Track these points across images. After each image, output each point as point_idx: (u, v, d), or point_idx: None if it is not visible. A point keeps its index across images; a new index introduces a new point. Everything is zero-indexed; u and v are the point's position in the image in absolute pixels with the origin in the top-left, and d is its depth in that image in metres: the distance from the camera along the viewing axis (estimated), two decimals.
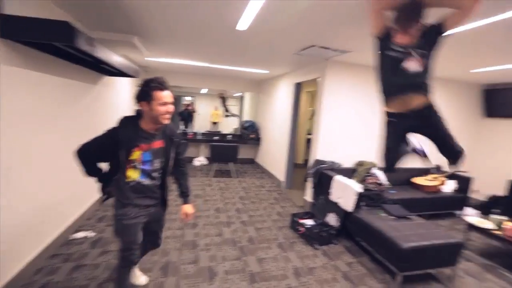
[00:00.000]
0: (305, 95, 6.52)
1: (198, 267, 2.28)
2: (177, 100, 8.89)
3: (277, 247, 2.71)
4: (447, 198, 3.88)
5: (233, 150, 5.26)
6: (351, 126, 3.87)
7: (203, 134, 6.73)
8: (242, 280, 2.14)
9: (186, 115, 7.59)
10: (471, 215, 3.34)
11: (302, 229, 2.93)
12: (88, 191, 3.14)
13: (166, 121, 1.54)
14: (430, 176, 4.13)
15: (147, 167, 1.57)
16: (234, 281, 2.13)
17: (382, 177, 3.56)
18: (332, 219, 2.99)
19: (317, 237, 2.76)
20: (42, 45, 1.91)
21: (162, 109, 1.48)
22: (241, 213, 3.51)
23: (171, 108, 1.52)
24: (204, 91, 8.52)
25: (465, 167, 4.52)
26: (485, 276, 2.49)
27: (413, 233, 2.34)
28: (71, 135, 2.62)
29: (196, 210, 3.50)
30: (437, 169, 4.36)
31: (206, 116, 8.04)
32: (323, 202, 3.24)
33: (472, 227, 2.83)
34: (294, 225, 3.08)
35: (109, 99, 3.67)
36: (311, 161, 3.83)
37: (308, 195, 3.89)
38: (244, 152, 6.84)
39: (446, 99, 4.42)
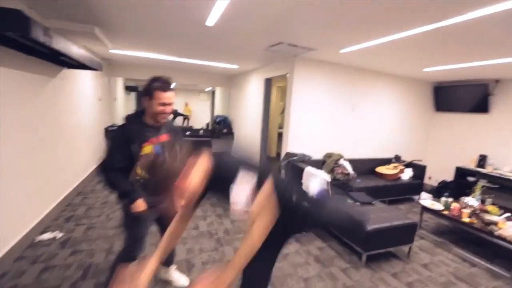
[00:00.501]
0: (275, 90, 6.66)
1: (175, 260, 2.30)
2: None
3: None
4: (405, 185, 4.28)
5: (206, 145, 5.25)
6: (319, 120, 4.08)
7: None
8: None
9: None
10: (425, 199, 3.73)
11: None
12: (51, 191, 2.97)
13: (163, 120, 1.59)
14: (391, 165, 4.52)
15: None
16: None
17: (348, 167, 3.82)
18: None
19: None
20: None
21: (160, 108, 1.54)
22: (216, 207, 3.55)
23: (169, 108, 1.57)
24: (173, 85, 8.31)
25: (420, 157, 5.02)
26: (436, 251, 2.84)
27: (375, 216, 2.58)
28: (31, 132, 2.45)
29: None
30: (397, 159, 4.78)
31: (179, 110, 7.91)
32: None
33: (425, 209, 3.19)
34: None
35: (70, 93, 3.45)
36: (283, 154, 3.98)
37: None
38: (217, 147, 6.83)
39: (403, 95, 4.83)
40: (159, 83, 1.52)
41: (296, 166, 3.53)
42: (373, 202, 2.95)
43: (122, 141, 1.53)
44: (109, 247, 2.44)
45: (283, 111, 7.55)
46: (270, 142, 6.83)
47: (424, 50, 2.94)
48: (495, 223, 2.64)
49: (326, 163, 3.89)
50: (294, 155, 3.77)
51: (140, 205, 1.54)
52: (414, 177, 4.43)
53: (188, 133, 6.39)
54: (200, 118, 8.08)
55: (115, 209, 3.24)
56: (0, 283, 1.89)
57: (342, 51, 3.17)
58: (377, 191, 3.83)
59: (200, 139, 5.29)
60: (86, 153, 4.20)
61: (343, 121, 4.28)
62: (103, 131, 5.32)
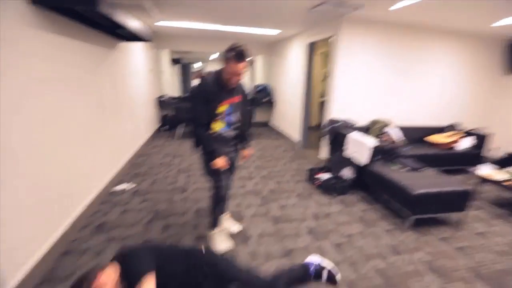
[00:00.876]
0: (318, 56, 6.36)
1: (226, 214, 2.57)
2: (187, 67, 8.94)
3: (296, 196, 2.97)
4: (461, 155, 3.95)
5: (250, 113, 5.39)
6: (365, 85, 3.86)
7: None
8: (267, 222, 2.43)
9: None
10: (486, 170, 3.43)
11: (319, 181, 3.15)
12: (120, 151, 3.43)
13: (233, 86, 1.74)
14: (446, 134, 4.17)
15: (229, 119, 1.82)
16: (259, 222, 2.42)
17: (396, 134, 3.65)
18: (347, 173, 3.18)
19: (333, 188, 2.98)
20: (66, 10, 1.99)
21: (230, 76, 1.67)
22: (261, 170, 3.75)
23: (238, 78, 1.69)
24: (213, 57, 8.46)
25: (483, 125, 4.52)
26: (493, 222, 2.67)
27: (425, 181, 2.50)
28: (100, 100, 2.82)
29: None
30: (453, 127, 4.38)
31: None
32: (338, 157, 3.41)
33: (484, 180, 2.96)
34: (311, 179, 3.30)
35: (126, 64, 3.79)
36: (325, 121, 3.93)
37: (323, 153, 4.07)
38: (258, 116, 6.96)
39: (464, 56, 4.27)
40: (234, 53, 1.60)
41: (339, 132, 3.49)
42: (423, 168, 2.83)
43: (203, 100, 1.72)
44: (170, 198, 2.81)
45: (325, 79, 7.26)
46: (311, 111, 6.71)
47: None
48: None
49: (371, 129, 3.75)
50: (337, 121, 3.70)
51: (221, 162, 1.79)
52: (473, 147, 4.05)
53: None
54: None
55: (171, 168, 3.64)
56: (92, 218, 2.37)
57: (392, 8, 2.88)
58: (427, 160, 3.58)
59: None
60: (142, 121, 4.66)
61: (392, 85, 4.00)
62: (154, 101, 5.78)
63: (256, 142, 5.31)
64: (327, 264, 1.78)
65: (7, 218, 1.47)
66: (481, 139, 4.07)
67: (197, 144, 1.87)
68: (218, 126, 1.82)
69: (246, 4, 3.17)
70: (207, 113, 1.76)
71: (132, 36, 3.27)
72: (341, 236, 2.27)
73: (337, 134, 3.56)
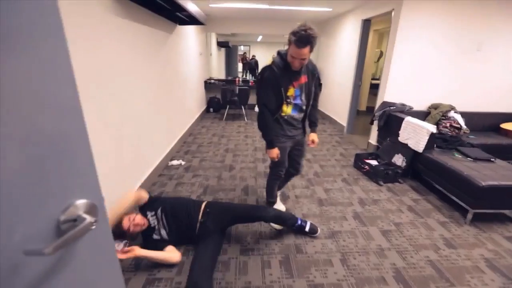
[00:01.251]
0: (372, 34, 5.88)
1: None
2: (234, 49, 9.06)
3: (342, 181, 2.93)
4: None
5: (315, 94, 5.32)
6: (427, 65, 3.48)
7: None
8: (311, 203, 2.46)
9: (253, 64, 8.30)
10: None
11: (366, 167, 3.04)
12: (175, 128, 3.72)
13: (295, 69, 1.70)
14: None
15: (297, 101, 1.83)
16: (304, 203, 2.47)
17: (461, 120, 3.28)
18: (398, 160, 3.01)
19: (382, 175, 2.85)
20: None
21: (291, 60, 1.64)
22: (307, 153, 3.74)
23: (299, 62, 1.63)
24: (259, 39, 8.40)
25: None
26: None
27: (493, 173, 2.25)
28: (158, 83, 3.06)
29: (263, 148, 3.87)
30: None
31: (261, 64, 8.20)
32: (389, 143, 3.22)
33: None
34: (358, 164, 3.20)
35: (182, 47, 4.00)
36: (376, 106, 3.69)
37: (373, 138, 3.87)
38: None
39: None
40: (295, 37, 1.53)
41: (394, 116, 3.27)
42: (492, 159, 2.54)
43: (273, 85, 1.72)
44: (219, 175, 3.00)
45: (379, 59, 6.73)
46: (361, 94, 6.34)
47: None
48: None
49: (430, 114, 3.43)
50: (391, 104, 3.46)
51: (273, 153, 1.88)
52: None
53: None
54: None
55: (219, 148, 3.85)
56: (153, 188, 2.68)
57: None
58: (500, 150, 3.19)
59: None
60: (192, 101, 4.95)
61: (461, 65, 3.53)
62: (203, 83, 6.04)
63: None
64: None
65: None
66: None
67: (260, 128, 1.91)
68: (288, 109, 1.83)
69: None
70: (276, 98, 1.76)
71: (190, 19, 3.44)
72: (389, 224, 2.20)
73: (391, 119, 3.35)
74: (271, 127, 1.84)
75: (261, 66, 8.29)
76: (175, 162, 3.26)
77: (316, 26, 5.92)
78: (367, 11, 4.06)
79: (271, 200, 2.27)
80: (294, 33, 1.55)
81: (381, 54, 6.39)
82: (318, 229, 2.04)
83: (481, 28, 3.38)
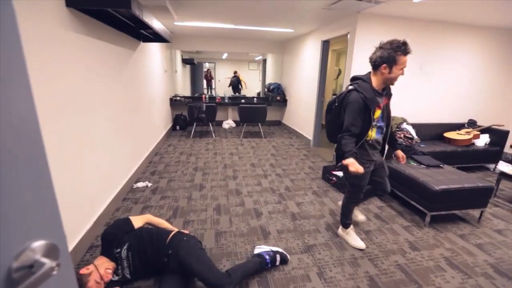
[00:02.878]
0: (331, 53, 6.34)
1: (245, 208, 2.63)
2: (199, 66, 9.06)
3: (312, 194, 3.00)
4: (479, 152, 3.89)
5: (261, 112, 5.44)
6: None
7: (230, 98, 6.89)
8: (285, 218, 2.47)
9: (236, 82, 8.31)
10: (504, 166, 3.37)
11: (334, 179, 3.17)
12: (139, 149, 3.53)
13: (394, 83, 1.71)
14: (463, 131, 4.11)
15: (380, 123, 1.83)
16: (278, 218, 2.46)
17: (412, 131, 3.62)
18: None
19: None
20: (96, 12, 2.10)
21: (399, 73, 1.65)
22: (275, 167, 3.80)
23: (403, 72, 1.66)
24: (224, 56, 8.55)
25: (502, 121, 4.44)
26: None
27: (444, 178, 2.50)
28: (121, 102, 2.91)
29: (233, 165, 3.84)
30: (471, 124, 4.31)
31: (225, 81, 8.31)
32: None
33: (503, 175, 2.92)
34: (326, 176, 3.32)
35: (145, 65, 3.89)
36: None
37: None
38: (270, 115, 6.99)
39: (485, 50, 4.18)
40: (404, 47, 1.58)
41: None
42: (441, 165, 2.81)
43: (362, 109, 1.68)
44: (189, 195, 2.88)
45: (338, 76, 7.23)
46: (324, 109, 6.70)
47: None
48: None
49: None
50: None
51: (354, 165, 1.63)
52: (491, 144, 3.98)
53: (242, 101, 6.65)
54: (250, 87, 8.31)
55: (187, 167, 3.73)
56: (116, 215, 2.46)
57: (416, 0, 2.84)
58: (445, 157, 3.59)
59: (257, 106, 5.47)
60: (158, 119, 4.78)
61: (408, 82, 3.95)
62: (168, 101, 5.90)
63: (268, 141, 5.36)
64: (276, 248, 1.92)
65: None
66: (499, 136, 4.00)
67: (340, 152, 1.79)
68: (373, 133, 1.82)
69: (260, 5, 3.22)
70: (363, 123, 1.72)
71: (154, 36, 3.38)
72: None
73: None
74: (352, 145, 1.73)
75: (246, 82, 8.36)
76: (140, 184, 3.07)
77: (279, 45, 6.23)
78: (326, 33, 4.39)
79: (346, 222, 2.15)
80: (397, 44, 1.60)
81: (340, 71, 6.88)
82: (288, 256, 1.92)
83: (424, 49, 3.86)
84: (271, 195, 2.92)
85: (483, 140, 3.98)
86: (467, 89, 4.33)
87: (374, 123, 1.78)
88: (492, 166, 4.04)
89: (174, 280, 1.53)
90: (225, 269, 1.70)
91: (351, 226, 2.18)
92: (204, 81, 9.16)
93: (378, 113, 1.77)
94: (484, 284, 1.77)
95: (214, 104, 5.46)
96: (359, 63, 3.65)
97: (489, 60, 4.26)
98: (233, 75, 8.37)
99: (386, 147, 2.05)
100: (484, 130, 4.08)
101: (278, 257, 1.83)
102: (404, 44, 1.61)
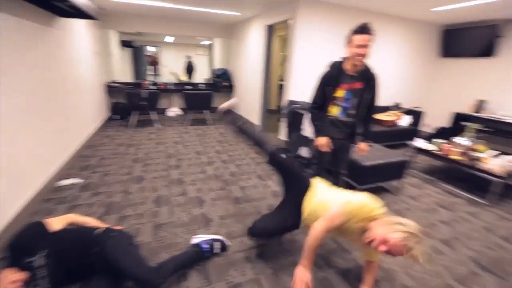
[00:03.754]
0: (276, 39, 6.40)
1: (187, 197, 2.55)
2: (141, 50, 8.29)
3: (257, 177, 3.06)
4: (402, 131, 4.42)
5: (208, 98, 5.28)
6: (322, 67, 4.01)
7: (175, 84, 6.52)
8: (228, 204, 2.47)
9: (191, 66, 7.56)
10: (419, 143, 3.89)
11: None
12: (64, 141, 3.12)
13: (357, 63, 1.76)
14: (390, 112, 4.60)
15: (347, 104, 1.87)
16: (220, 205, 2.45)
17: None
18: (304, 152, 3.35)
19: None
20: None
21: (353, 50, 1.72)
22: (221, 154, 3.75)
23: (363, 51, 1.71)
24: (170, 39, 7.96)
25: (420, 104, 5.07)
26: (425, 186, 3.09)
27: (372, 155, 2.76)
28: (34, 87, 2.50)
29: (176, 154, 3.68)
30: (396, 106, 4.84)
31: (171, 66, 7.68)
32: (296, 138, 3.56)
33: (419, 150, 3.37)
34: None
35: (69, 45, 3.38)
36: (284, 103, 4.04)
37: (282, 134, 4.21)
38: (218, 101, 6.84)
39: (407, 40, 4.67)
40: (356, 27, 1.71)
41: (298, 112, 3.62)
42: (371, 144, 3.10)
43: (321, 83, 1.90)
44: (126, 189, 2.67)
45: (283, 62, 7.36)
46: (271, 94, 6.81)
47: None
48: (480, 159, 2.82)
49: None
50: (295, 102, 3.83)
51: (322, 141, 1.98)
52: (412, 123, 4.55)
53: (188, 87, 6.35)
54: (199, 73, 7.95)
55: (125, 159, 3.44)
56: (34, 219, 2.15)
57: None
58: (375, 136, 3.99)
59: (201, 92, 5.28)
60: (90, 108, 4.27)
61: None
62: (103, 87, 5.31)
63: (215, 128, 5.26)
64: (215, 236, 1.86)
65: None
66: (417, 116, 4.59)
67: (312, 125, 2.03)
68: (334, 110, 1.92)
69: None
70: (323, 96, 1.90)
71: (76, 11, 2.88)
72: None
73: (295, 115, 3.69)
74: (318, 117, 2.01)
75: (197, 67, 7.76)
76: (66, 182, 2.73)
77: (226, 29, 6.04)
78: (270, 17, 4.38)
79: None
80: (355, 26, 1.75)
81: (285, 58, 7.02)
82: (229, 242, 1.90)
83: None
84: (215, 182, 2.89)
85: (405, 121, 4.53)
86: (393, 75, 4.82)
87: (335, 101, 1.89)
88: (410, 142, 4.63)
89: (101, 284, 1.40)
90: None
91: None
92: (149, 67, 8.44)
93: (340, 92, 1.85)
94: None
95: (156, 90, 5.10)
96: (302, 49, 3.75)
97: (410, 50, 4.78)
98: (186, 59, 7.84)
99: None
100: (406, 112, 4.64)
101: (217, 245, 1.81)
102: (360, 24, 1.74)
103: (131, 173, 3.03)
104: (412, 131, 4.54)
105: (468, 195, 2.88)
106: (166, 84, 6.30)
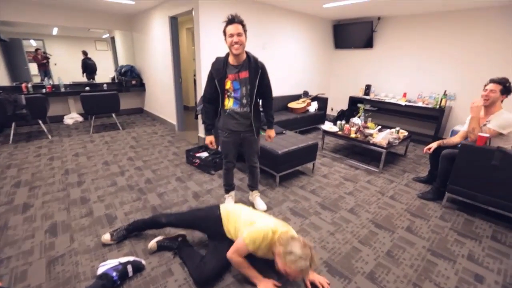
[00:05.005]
0: (185, 32, 6.12)
1: (93, 218, 2.18)
2: (17, 44, 6.65)
3: (176, 180, 2.87)
4: (312, 116, 4.89)
5: (113, 100, 4.65)
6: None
7: (71, 86, 5.49)
8: (144, 215, 2.23)
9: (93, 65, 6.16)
10: (326, 126, 4.39)
11: (197, 161, 3.14)
12: None
13: (235, 51, 1.79)
14: (300, 100, 5.01)
15: (237, 94, 1.91)
16: (136, 217, 2.19)
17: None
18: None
19: (212, 165, 3.05)
20: None
21: (229, 40, 1.78)
22: (135, 160, 3.37)
23: (236, 38, 1.75)
24: (55, 31, 6.62)
25: (323, 91, 5.68)
26: (333, 163, 3.50)
27: (286, 142, 2.94)
28: None
29: (78, 168, 3.12)
30: (305, 94, 5.31)
31: (64, 64, 6.41)
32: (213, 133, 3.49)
33: (326, 133, 3.78)
34: (190, 160, 3.25)
35: None
36: (197, 101, 3.89)
37: (201, 132, 4.07)
38: (128, 102, 6.16)
39: (308, 34, 5.13)
40: (226, 19, 1.78)
41: None
42: (284, 132, 3.30)
43: (208, 77, 1.95)
44: (3, 223, 2.10)
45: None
46: (186, 91, 6.52)
47: None
48: (372, 135, 3.37)
49: None
50: None
51: (207, 139, 2.09)
52: (319, 109, 5.08)
53: (87, 88, 5.45)
54: (103, 71, 6.89)
55: (2, 185, 2.71)
56: None
57: None
58: (289, 124, 4.29)
59: (105, 94, 4.58)
60: None
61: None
62: None
63: (127, 132, 4.71)
64: (124, 259, 1.64)
65: None
66: (323, 102, 5.14)
67: (203, 120, 2.06)
68: (228, 103, 1.95)
69: None
70: (213, 89, 1.92)
71: None
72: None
73: None
74: (210, 113, 2.03)
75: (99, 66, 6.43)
76: None
77: (125, 20, 5.37)
78: (172, 8, 4.09)
79: (224, 187, 2.37)
80: (225, 21, 1.80)
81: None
82: (143, 262, 1.68)
83: (263, 29, 4.26)
84: (128, 193, 2.57)
85: (313, 107, 5.02)
86: (301, 65, 5.24)
87: (228, 94, 1.93)
88: (321, 126, 5.19)
89: None
90: None
91: (230, 193, 2.39)
92: (32, 65, 6.79)
93: (229, 83, 1.90)
94: (315, 220, 2.24)
95: (40, 95, 4.18)
96: (207, 40, 3.63)
97: (311, 42, 5.27)
98: (83, 56, 6.54)
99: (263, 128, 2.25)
100: (313, 99, 5.13)
101: (129, 268, 1.59)
102: (229, 16, 1.80)
103: (12, 202, 2.40)
104: (321, 116, 5.07)
105: (366, 166, 3.40)
106: (54, 86, 5.21)
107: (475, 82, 4.00)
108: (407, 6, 3.96)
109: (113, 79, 6.48)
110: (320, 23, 5.29)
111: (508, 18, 3.62)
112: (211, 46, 3.69)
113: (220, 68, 1.89)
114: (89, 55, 6.11)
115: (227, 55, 1.93)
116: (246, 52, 1.92)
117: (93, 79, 6.17)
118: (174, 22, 4.27)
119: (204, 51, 3.64)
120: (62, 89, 5.23)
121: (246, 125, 2.04)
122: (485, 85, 2.36)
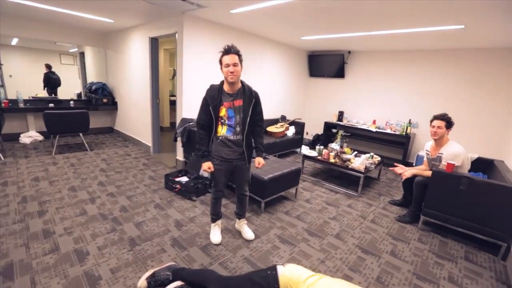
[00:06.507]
0: (163, 53, 6.06)
1: (59, 255, 1.91)
2: None
3: (155, 208, 2.67)
4: (290, 140, 4.99)
5: (83, 118, 4.32)
6: (213, 81, 4.02)
7: (30, 101, 5.01)
8: (122, 249, 2.01)
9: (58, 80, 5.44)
10: (305, 150, 4.52)
11: (178, 186, 2.98)
12: None
13: (231, 80, 1.82)
14: (278, 124, 5.12)
15: (231, 122, 1.91)
16: (112, 252, 1.96)
17: None
18: (204, 172, 3.20)
19: (194, 190, 2.92)
20: None
21: (225, 70, 1.81)
22: (106, 186, 3.10)
23: (232, 68, 1.79)
24: (14, 42, 6.13)
25: (300, 116, 5.90)
26: (314, 188, 3.55)
27: (269, 167, 2.93)
28: None
29: (38, 195, 2.78)
30: (283, 119, 5.46)
31: (22, 77, 5.86)
32: (194, 158, 3.37)
33: (305, 157, 3.87)
34: (169, 185, 3.08)
35: None
36: (177, 123, 3.78)
37: (180, 155, 3.92)
38: (97, 121, 5.78)
39: (286, 62, 5.39)
40: (223, 49, 1.82)
41: (193, 131, 3.46)
42: (267, 157, 3.31)
43: (202, 104, 1.93)
44: None
45: (173, 77, 7.04)
46: (162, 111, 6.34)
47: (302, 18, 3.28)
48: (349, 160, 3.52)
49: None
50: (190, 120, 3.65)
51: (205, 165, 1.97)
52: (296, 133, 5.22)
53: (51, 105, 5.02)
54: (67, 87, 6.43)
55: None
56: None
57: (233, 11, 3.10)
58: (269, 147, 4.32)
59: (73, 112, 4.24)
60: None
61: None
62: None
63: (96, 153, 4.37)
64: None
65: None
66: (300, 126, 5.31)
67: (197, 147, 2.00)
68: (222, 130, 1.94)
69: None
70: (208, 116, 1.91)
71: None
72: (206, 238, 2.24)
73: (192, 134, 3.51)
74: (204, 140, 1.98)
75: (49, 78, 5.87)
76: None
77: (99, 37, 5.19)
78: (154, 30, 4.05)
79: (211, 216, 2.25)
80: (221, 51, 1.85)
81: (175, 72, 6.72)
82: None
83: (244, 55, 4.35)
84: (101, 224, 2.32)
85: (291, 131, 5.16)
86: (279, 91, 5.43)
87: (222, 121, 1.93)
88: (298, 149, 5.32)
89: None
90: None
91: (217, 222, 2.26)
92: None
93: (223, 111, 1.91)
94: (304, 248, 2.21)
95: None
96: (190, 63, 3.62)
97: (288, 70, 5.53)
98: (46, 69, 6.01)
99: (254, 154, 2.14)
100: (290, 123, 5.29)
101: None
102: (226, 47, 1.84)
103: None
104: (299, 140, 5.21)
105: (345, 190, 3.50)
106: (11, 101, 4.72)
107: (432, 112, 4.46)
108: (372, 43, 4.39)
109: (79, 95, 6.08)
110: (297, 52, 5.61)
111: (454, 61, 4.19)
112: (192, 67, 3.68)
113: (215, 95, 1.89)
114: (53, 69, 5.69)
115: (222, 83, 1.95)
116: (241, 81, 1.94)
117: (55, 94, 5.71)
118: (155, 43, 4.22)
119: (186, 72, 3.61)
120: (21, 105, 4.75)
121: (238, 153, 2.01)
122: (431, 121, 2.72)
